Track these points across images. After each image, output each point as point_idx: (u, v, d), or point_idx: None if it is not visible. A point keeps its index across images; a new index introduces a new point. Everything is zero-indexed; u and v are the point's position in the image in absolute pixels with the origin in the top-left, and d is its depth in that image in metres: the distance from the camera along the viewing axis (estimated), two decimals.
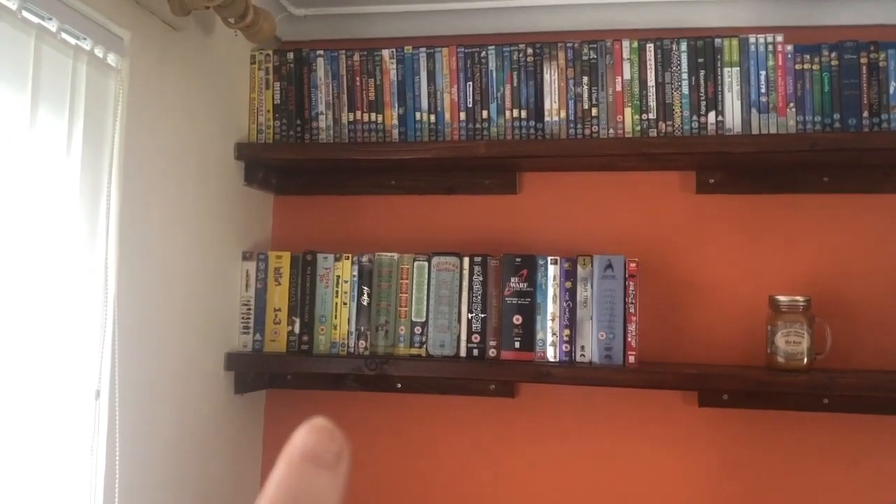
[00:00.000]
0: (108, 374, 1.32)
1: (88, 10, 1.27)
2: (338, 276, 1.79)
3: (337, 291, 1.78)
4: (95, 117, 1.30)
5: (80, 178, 1.26)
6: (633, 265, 1.68)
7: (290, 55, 1.86)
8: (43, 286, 1.19)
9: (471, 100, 1.79)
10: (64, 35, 1.22)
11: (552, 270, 1.71)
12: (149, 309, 1.48)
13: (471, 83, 1.79)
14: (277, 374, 1.91)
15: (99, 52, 1.30)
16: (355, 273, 1.78)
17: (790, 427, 1.76)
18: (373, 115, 1.83)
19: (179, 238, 1.58)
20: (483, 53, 1.78)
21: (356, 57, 1.84)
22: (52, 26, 1.20)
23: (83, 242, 1.28)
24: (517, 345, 1.71)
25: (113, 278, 1.33)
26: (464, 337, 1.74)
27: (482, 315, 1.74)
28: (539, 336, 1.71)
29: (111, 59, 1.34)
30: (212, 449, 1.72)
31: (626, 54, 1.73)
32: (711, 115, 1.70)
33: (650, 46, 1.72)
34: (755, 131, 1.68)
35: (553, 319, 1.70)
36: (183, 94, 1.59)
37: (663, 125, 1.71)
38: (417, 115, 1.81)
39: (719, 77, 1.70)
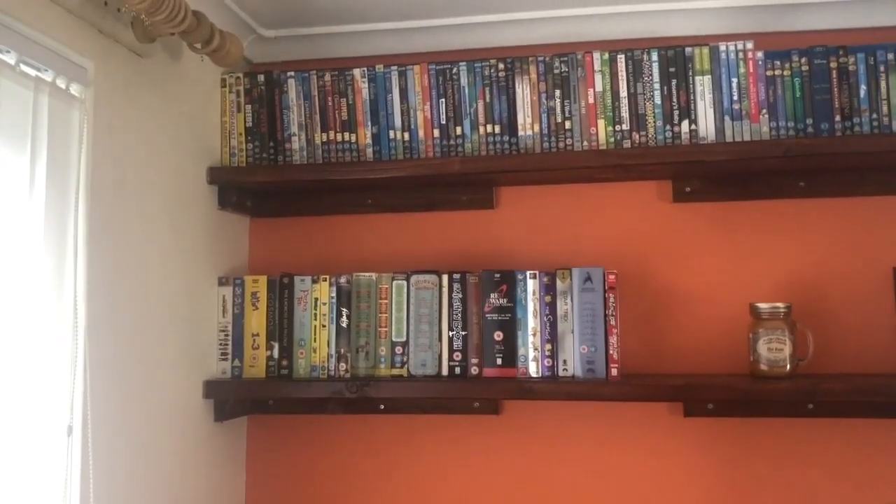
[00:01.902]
0: (80, 408, 1.29)
1: (49, 41, 1.25)
2: (316, 299, 1.77)
3: (315, 314, 1.76)
4: (59, 149, 1.27)
5: (45, 211, 1.23)
6: (612, 277, 1.67)
7: (261, 77, 1.85)
8: (10, 321, 1.17)
9: (444, 116, 1.78)
10: (24, 67, 1.20)
11: (531, 285, 1.70)
12: (123, 340, 1.45)
13: (443, 100, 1.78)
14: (258, 400, 1.89)
15: (61, 82, 1.28)
16: (333, 295, 1.76)
17: (776, 434, 1.75)
18: (346, 135, 1.81)
19: (153, 266, 1.56)
20: (454, 70, 1.78)
21: (327, 77, 1.82)
22: (11, 59, 1.18)
23: (50, 273, 1.25)
24: (499, 361, 1.69)
25: (83, 310, 1.30)
26: (445, 355, 1.72)
27: (463, 333, 1.72)
28: (521, 352, 1.69)
29: (74, 89, 1.32)
30: (193, 480, 1.69)
31: (597, 66, 1.73)
32: (685, 124, 1.69)
33: (621, 57, 1.72)
34: (729, 139, 1.68)
35: (534, 334, 1.69)
36: (151, 121, 1.57)
37: (637, 136, 1.70)
38: (391, 133, 1.80)
39: (691, 86, 1.70)
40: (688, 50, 1.70)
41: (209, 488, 1.76)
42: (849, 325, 1.74)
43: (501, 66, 1.76)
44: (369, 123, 1.81)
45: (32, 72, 1.22)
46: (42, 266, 1.23)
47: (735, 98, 1.68)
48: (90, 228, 1.34)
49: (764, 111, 1.68)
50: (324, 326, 1.76)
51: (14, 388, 1.17)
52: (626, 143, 1.71)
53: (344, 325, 1.75)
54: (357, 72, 1.81)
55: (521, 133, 1.75)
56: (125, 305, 1.47)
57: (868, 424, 1.71)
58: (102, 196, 1.39)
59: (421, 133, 1.79)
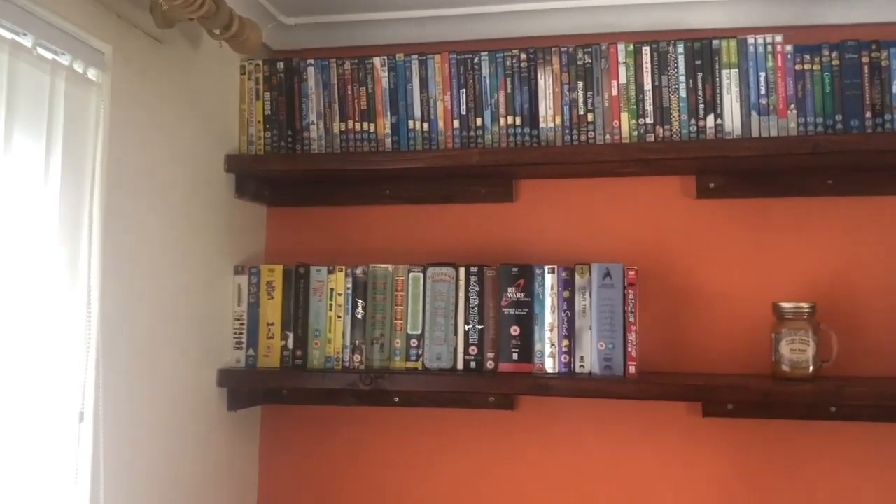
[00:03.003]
0: (91, 395, 1.29)
1: (66, 25, 1.24)
2: (331, 289, 1.75)
3: (331, 305, 1.75)
4: (75, 133, 1.27)
5: (60, 195, 1.22)
6: (631, 273, 1.64)
7: (281, 65, 1.83)
8: (23, 303, 1.16)
9: (464, 107, 1.75)
10: (40, 50, 1.19)
11: (549, 280, 1.67)
12: (137, 327, 1.44)
13: (464, 90, 1.75)
14: (272, 390, 1.88)
15: (78, 66, 1.27)
16: (349, 286, 1.75)
17: (797, 436, 1.71)
18: (365, 125, 1.80)
19: (168, 254, 1.55)
20: (476, 60, 1.75)
21: (347, 65, 1.80)
22: (28, 42, 1.17)
23: (64, 260, 1.24)
24: (515, 356, 1.67)
25: (96, 297, 1.30)
26: (461, 349, 1.70)
27: (479, 327, 1.70)
28: (537, 347, 1.67)
29: (91, 73, 1.31)
30: (205, 468, 1.69)
31: (621, 58, 1.69)
32: (710, 119, 1.66)
33: (646, 49, 1.68)
34: (755, 134, 1.64)
35: (551, 330, 1.66)
36: (169, 107, 1.56)
37: (661, 129, 1.67)
38: (410, 123, 1.78)
39: (717, 79, 1.66)
40: (715, 42, 1.66)
41: (221, 477, 1.76)
42: (874, 326, 1.70)
43: (524, 56, 1.73)
44: (388, 113, 1.79)
45: (49, 55, 1.22)
46: (56, 252, 1.22)
47: (762, 92, 1.64)
48: (106, 214, 1.34)
49: (792, 106, 1.63)
50: (339, 317, 1.74)
51: (26, 374, 1.17)
52: (650, 137, 1.67)
53: (359, 316, 1.74)
54: (377, 60, 1.79)
55: (542, 125, 1.72)
56: (140, 292, 1.46)
57: (892, 429, 1.66)
58: (118, 182, 1.38)
59: (440, 124, 1.76)
